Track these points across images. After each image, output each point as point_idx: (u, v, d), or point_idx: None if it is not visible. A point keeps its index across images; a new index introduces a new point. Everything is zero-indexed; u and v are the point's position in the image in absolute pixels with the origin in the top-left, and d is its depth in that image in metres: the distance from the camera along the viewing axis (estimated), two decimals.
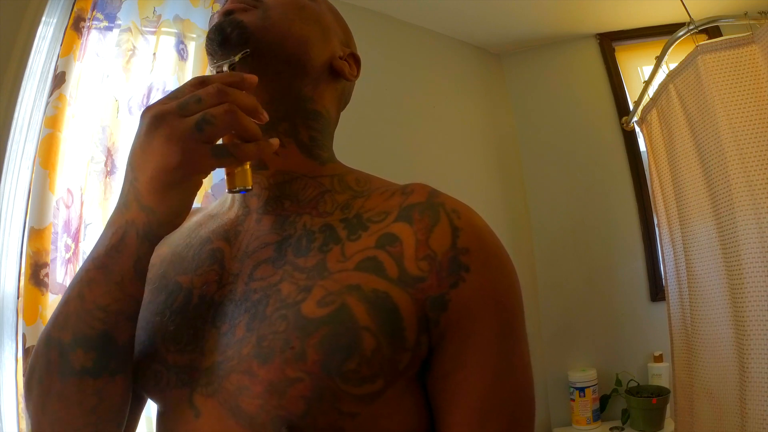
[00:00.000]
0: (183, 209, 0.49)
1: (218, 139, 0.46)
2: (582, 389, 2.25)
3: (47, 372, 0.50)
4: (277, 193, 0.57)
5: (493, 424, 0.48)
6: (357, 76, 0.67)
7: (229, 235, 0.58)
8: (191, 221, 0.66)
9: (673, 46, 1.70)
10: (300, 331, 0.46)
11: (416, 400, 0.50)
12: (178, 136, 0.44)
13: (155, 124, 0.45)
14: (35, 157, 1.29)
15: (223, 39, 0.54)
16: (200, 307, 0.53)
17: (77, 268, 1.34)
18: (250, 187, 0.50)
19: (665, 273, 1.94)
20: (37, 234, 1.24)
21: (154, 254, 0.59)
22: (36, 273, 1.22)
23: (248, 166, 0.49)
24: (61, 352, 0.49)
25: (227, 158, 0.46)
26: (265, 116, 0.49)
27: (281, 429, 0.45)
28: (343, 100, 0.68)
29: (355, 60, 0.67)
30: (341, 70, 0.62)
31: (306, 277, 0.49)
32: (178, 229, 0.62)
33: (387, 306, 0.46)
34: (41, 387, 0.51)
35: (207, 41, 0.56)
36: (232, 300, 0.52)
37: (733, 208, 1.36)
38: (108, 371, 0.50)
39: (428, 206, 0.50)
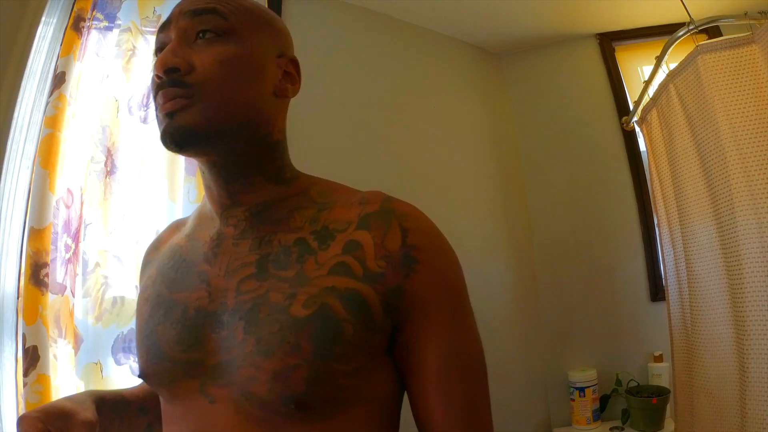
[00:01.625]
0: None
1: None
2: (582, 389, 2.25)
3: None
4: (254, 221, 0.64)
5: (453, 385, 0.58)
6: (300, 82, 0.68)
7: (209, 258, 0.64)
8: (172, 241, 0.72)
9: (673, 46, 1.70)
10: (293, 329, 0.55)
11: (389, 370, 0.61)
12: None
13: None
14: (35, 157, 1.29)
15: (179, 147, 0.59)
16: (197, 318, 0.61)
17: (77, 268, 1.34)
18: None
19: (665, 273, 1.93)
20: (37, 234, 1.24)
21: (146, 275, 0.72)
22: (36, 273, 1.22)
23: None
24: None
25: None
26: None
27: (290, 405, 0.54)
28: (288, 103, 0.70)
29: (295, 66, 0.68)
30: (285, 95, 0.66)
31: (289, 286, 0.58)
32: (162, 251, 0.72)
33: (358, 300, 0.57)
34: None
35: (164, 145, 0.59)
36: (225, 311, 0.60)
37: (733, 208, 1.36)
38: None
39: (381, 213, 0.61)
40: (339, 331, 0.55)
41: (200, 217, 0.70)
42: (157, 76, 0.59)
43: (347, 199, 0.63)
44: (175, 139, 0.58)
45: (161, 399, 0.66)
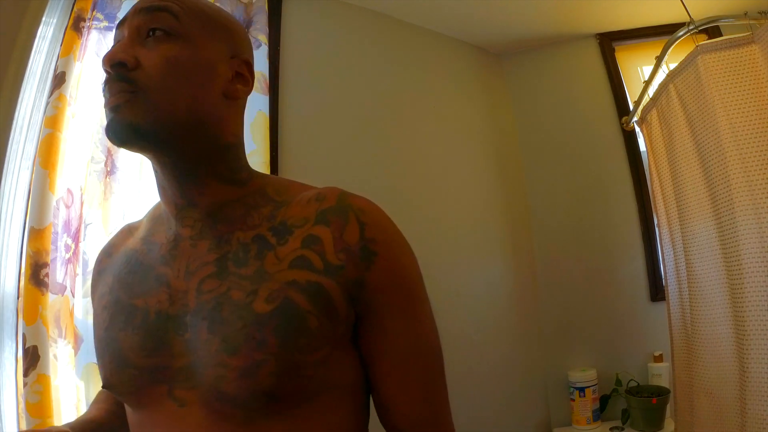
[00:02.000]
0: None
1: None
2: (582, 389, 2.25)
3: None
4: (210, 222, 0.64)
5: (411, 372, 0.61)
6: (252, 82, 0.68)
7: (166, 260, 0.64)
8: (127, 246, 0.71)
9: (673, 46, 1.70)
10: (257, 325, 0.56)
11: (353, 358, 0.63)
12: None
13: None
14: (35, 157, 1.29)
15: (121, 143, 0.59)
16: (158, 321, 0.61)
17: (77, 268, 1.34)
18: None
19: (665, 273, 1.93)
20: (37, 234, 1.24)
21: (103, 282, 0.71)
22: (36, 273, 1.22)
23: None
24: None
25: None
26: None
27: (261, 400, 0.55)
28: (244, 105, 0.69)
29: (248, 67, 0.68)
30: (236, 96, 0.65)
31: (250, 283, 0.58)
32: (116, 257, 0.72)
33: (320, 292, 0.58)
34: None
35: (108, 139, 0.60)
36: (187, 312, 0.60)
37: (733, 208, 1.36)
38: None
39: (338, 208, 0.61)
40: (303, 323, 0.56)
41: (155, 220, 0.70)
42: (105, 70, 0.59)
43: (303, 196, 0.64)
44: (117, 133, 0.58)
45: (127, 408, 0.66)
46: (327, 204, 0.62)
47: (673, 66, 1.65)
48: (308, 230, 0.60)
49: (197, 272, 0.61)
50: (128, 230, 0.76)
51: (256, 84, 1.15)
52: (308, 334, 0.56)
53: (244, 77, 0.67)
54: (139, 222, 0.75)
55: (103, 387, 0.65)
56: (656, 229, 2.03)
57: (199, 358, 0.58)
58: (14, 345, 1.22)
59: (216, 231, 0.63)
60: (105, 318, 0.66)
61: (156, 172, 0.65)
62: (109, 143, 1.42)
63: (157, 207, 0.72)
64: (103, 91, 0.59)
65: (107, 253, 0.75)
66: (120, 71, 0.58)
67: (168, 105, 0.58)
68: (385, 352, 0.61)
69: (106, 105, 0.59)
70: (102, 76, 0.61)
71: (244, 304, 0.57)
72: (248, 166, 0.68)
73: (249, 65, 0.68)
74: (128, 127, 0.57)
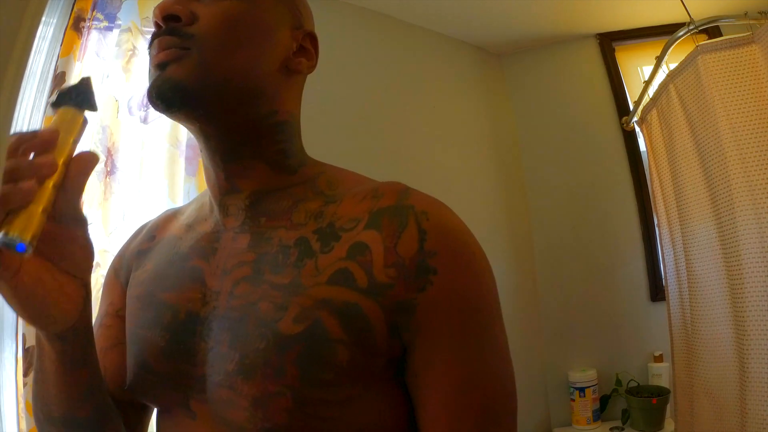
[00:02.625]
0: (27, 312, 0.48)
1: None
2: (582, 389, 2.25)
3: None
4: (253, 212, 0.57)
5: (465, 421, 0.48)
6: (316, 60, 0.61)
7: (206, 252, 0.58)
8: (170, 231, 0.66)
9: (673, 46, 1.70)
10: (278, 349, 0.48)
11: (394, 398, 0.52)
12: None
13: None
14: None
15: (166, 105, 0.52)
16: (188, 323, 0.55)
17: None
18: (29, 241, 0.39)
19: (665, 273, 1.93)
20: None
21: (143, 270, 0.64)
22: None
23: (37, 212, 0.40)
24: (39, 425, 0.59)
25: None
26: (52, 167, 0.45)
27: None
28: (303, 83, 0.63)
29: (312, 41, 0.61)
30: (298, 70, 0.58)
31: (282, 295, 0.50)
32: (161, 242, 0.65)
33: (357, 317, 0.48)
34: None
35: (150, 102, 0.53)
36: (216, 317, 0.54)
37: (733, 208, 1.36)
38: None
39: (397, 210, 0.51)
40: (331, 354, 0.47)
41: (200, 208, 0.64)
42: (155, 23, 0.53)
43: (358, 191, 0.55)
44: (162, 94, 0.51)
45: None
46: (384, 203, 0.52)
47: (673, 66, 1.65)
48: (357, 235, 0.51)
49: (233, 272, 0.55)
50: (173, 214, 0.69)
51: None
52: (335, 368, 0.47)
53: (308, 52, 0.60)
54: (183, 208, 0.70)
55: (126, 388, 0.60)
56: (656, 229, 2.03)
57: (215, 371, 0.52)
58: (14, 345, 1.22)
59: (258, 225, 0.56)
60: (136, 310, 0.60)
61: (201, 151, 0.59)
62: (109, 143, 1.42)
63: (204, 193, 0.65)
64: (150, 47, 0.53)
65: (150, 236, 0.68)
66: (173, 25, 0.52)
67: (223, 67, 0.52)
68: (433, 392, 0.49)
69: (151, 62, 0.53)
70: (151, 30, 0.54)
71: (270, 320, 0.49)
72: (302, 151, 0.61)
73: (314, 39, 0.61)
74: (175, 87, 0.51)
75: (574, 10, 2.29)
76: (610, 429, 2.21)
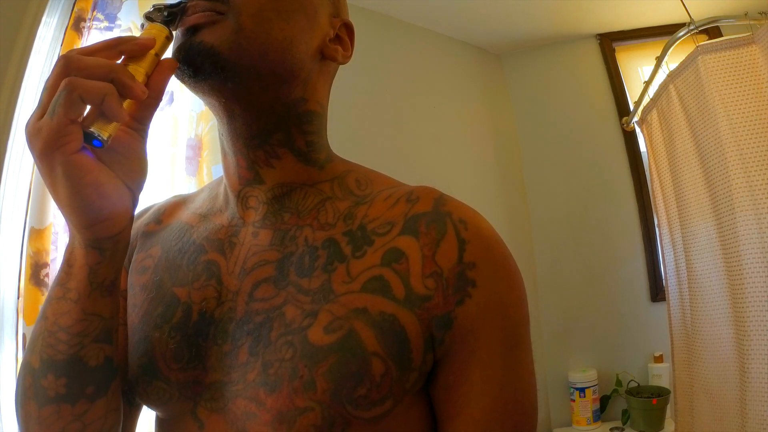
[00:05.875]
0: (80, 202, 0.43)
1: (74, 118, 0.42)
2: (582, 389, 2.25)
3: (25, 397, 0.49)
4: (276, 207, 0.53)
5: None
6: (352, 51, 0.58)
7: (223, 245, 0.54)
8: (180, 217, 0.61)
9: (673, 47, 1.70)
10: (308, 360, 0.45)
11: (421, 411, 0.50)
12: (43, 138, 0.41)
13: (30, 144, 0.42)
14: None
15: (193, 71, 0.47)
16: (200, 323, 0.52)
17: None
18: (106, 139, 0.43)
19: (665, 273, 1.94)
20: (37, 234, 1.24)
21: (147, 254, 0.59)
22: (36, 273, 1.22)
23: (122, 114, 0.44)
24: (33, 377, 0.48)
25: (76, 104, 0.41)
26: (140, 93, 0.43)
27: None
28: (334, 75, 0.60)
29: (348, 30, 0.58)
30: (334, 57, 0.55)
31: (311, 300, 0.47)
32: (168, 228, 0.60)
33: (394, 329, 0.45)
34: (22, 412, 0.49)
35: (177, 72, 0.48)
36: (233, 319, 0.50)
37: (734, 208, 1.36)
38: (85, 397, 0.48)
39: (434, 217, 0.48)
40: (365, 366, 0.44)
41: (214, 198, 0.60)
42: None
43: (390, 193, 0.52)
44: (190, 57, 0.46)
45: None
46: (420, 208, 0.49)
47: (673, 66, 1.65)
48: (392, 241, 0.48)
49: (254, 272, 0.51)
50: (181, 200, 0.65)
51: None
52: (369, 383, 0.44)
53: (344, 41, 0.57)
54: (194, 195, 0.65)
55: (128, 390, 0.55)
56: (656, 229, 2.03)
57: (231, 380, 0.48)
58: (14, 345, 1.22)
59: (282, 222, 0.53)
60: (142, 302, 0.56)
61: (221, 134, 0.54)
62: None
63: (218, 183, 0.60)
64: (180, 12, 0.48)
65: (156, 219, 0.63)
66: None
67: (261, 37, 0.48)
68: (465, 407, 0.47)
69: (181, 27, 0.48)
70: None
71: (298, 327, 0.46)
72: (328, 146, 0.58)
73: (350, 30, 0.58)
74: (206, 51, 0.46)
75: (574, 10, 2.29)
76: (611, 429, 2.21)
